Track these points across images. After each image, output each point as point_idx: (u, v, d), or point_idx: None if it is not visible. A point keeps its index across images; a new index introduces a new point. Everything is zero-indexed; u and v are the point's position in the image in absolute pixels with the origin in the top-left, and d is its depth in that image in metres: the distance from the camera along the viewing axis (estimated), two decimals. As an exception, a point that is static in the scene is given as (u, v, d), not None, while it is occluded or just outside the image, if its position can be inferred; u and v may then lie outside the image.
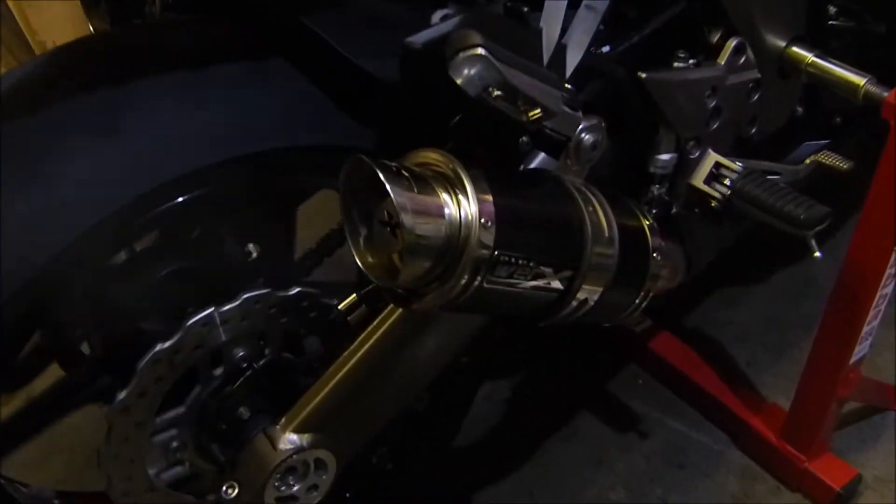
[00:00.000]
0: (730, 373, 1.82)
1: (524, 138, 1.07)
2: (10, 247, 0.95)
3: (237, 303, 1.14)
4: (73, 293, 1.07)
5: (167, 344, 1.10)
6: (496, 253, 0.92)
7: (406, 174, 0.89)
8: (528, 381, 1.88)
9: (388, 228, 0.91)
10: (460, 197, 0.91)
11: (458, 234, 0.90)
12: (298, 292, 1.19)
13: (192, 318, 1.12)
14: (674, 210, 1.29)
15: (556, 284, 1.01)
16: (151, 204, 1.02)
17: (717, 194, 1.27)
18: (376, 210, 0.93)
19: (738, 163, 1.27)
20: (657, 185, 1.26)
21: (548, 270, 0.99)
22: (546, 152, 1.07)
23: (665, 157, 1.24)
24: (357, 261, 0.96)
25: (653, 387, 1.85)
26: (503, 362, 1.89)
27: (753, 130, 1.34)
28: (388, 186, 0.86)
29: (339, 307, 1.17)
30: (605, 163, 1.21)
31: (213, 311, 1.13)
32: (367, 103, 1.12)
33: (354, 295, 1.17)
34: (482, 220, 0.90)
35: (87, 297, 1.11)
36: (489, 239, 0.91)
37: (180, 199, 1.04)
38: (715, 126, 1.27)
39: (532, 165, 1.11)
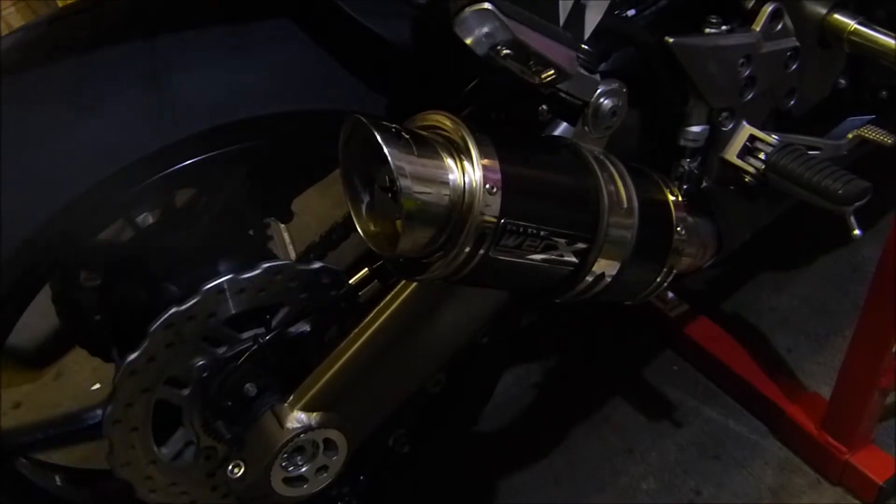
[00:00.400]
0: (769, 360, 1.77)
1: (543, 106, 1.04)
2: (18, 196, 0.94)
3: (257, 271, 1.11)
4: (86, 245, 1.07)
5: (182, 307, 1.07)
6: (502, 221, 0.88)
7: (406, 136, 0.86)
8: (559, 366, 1.83)
9: (390, 195, 0.88)
10: (465, 162, 0.88)
11: (461, 201, 0.87)
12: (321, 267, 1.15)
13: (210, 282, 1.09)
14: (705, 184, 1.23)
15: (570, 257, 0.97)
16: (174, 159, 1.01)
17: (751, 169, 1.21)
18: (378, 175, 0.90)
19: (773, 136, 1.21)
20: (688, 159, 1.21)
21: (560, 242, 0.95)
22: (562, 118, 1.03)
23: (696, 129, 1.19)
24: (359, 230, 0.93)
25: (688, 373, 1.79)
26: (535, 346, 1.85)
27: (792, 103, 1.28)
28: (384, 148, 0.82)
29: (350, 282, 1.15)
30: (632, 135, 1.18)
31: (232, 277, 1.10)
32: (379, 68, 1.08)
33: (366, 269, 1.15)
34: (487, 187, 0.87)
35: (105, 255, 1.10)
36: (495, 206, 0.87)
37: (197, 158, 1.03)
38: (749, 97, 1.21)
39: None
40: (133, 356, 1.07)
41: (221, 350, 1.12)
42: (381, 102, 1.10)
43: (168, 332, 1.08)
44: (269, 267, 1.11)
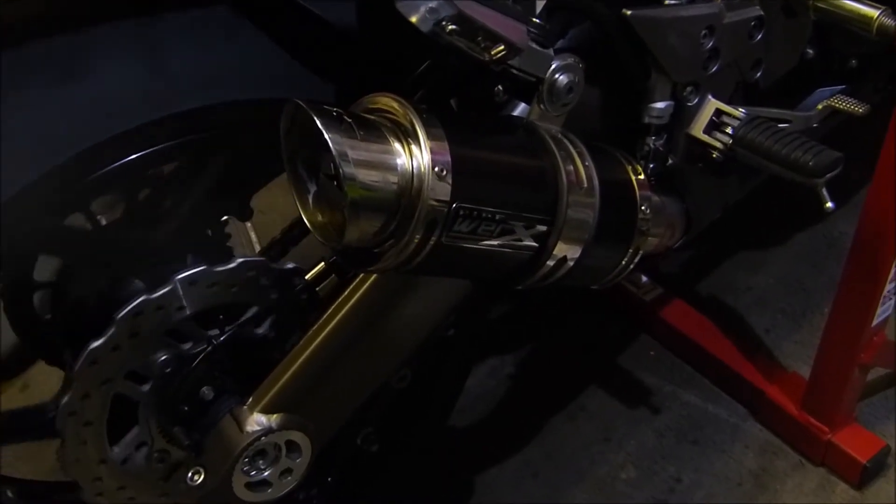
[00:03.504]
0: (747, 341, 1.75)
1: (499, 86, 1.01)
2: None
3: (233, 265, 1.07)
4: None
5: (153, 295, 1.04)
6: (454, 206, 0.85)
7: (349, 120, 0.83)
8: (534, 356, 1.81)
9: (335, 182, 0.85)
10: (412, 146, 0.85)
11: (410, 186, 0.84)
12: (294, 268, 1.12)
13: (183, 272, 1.05)
14: (671, 162, 1.20)
15: (529, 241, 0.94)
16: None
17: (718, 144, 1.18)
18: (323, 163, 0.87)
19: (740, 110, 1.19)
20: (653, 137, 1.18)
21: (518, 225, 0.92)
22: (517, 97, 1.01)
23: (660, 105, 1.16)
24: (305, 221, 0.90)
25: (665, 358, 1.77)
26: (509, 336, 1.83)
27: (758, 75, 1.25)
28: (324, 133, 0.79)
29: (307, 277, 1.12)
30: (594, 113, 1.15)
31: (206, 269, 1.07)
32: (324, 54, 1.04)
33: (322, 263, 1.12)
34: (436, 170, 0.84)
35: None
36: (445, 190, 0.84)
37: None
38: (714, 70, 1.18)
39: (511, 117, 1.04)
40: (96, 343, 1.03)
41: (186, 346, 1.09)
42: (330, 89, 1.07)
43: (136, 320, 1.04)
44: (245, 262, 1.08)
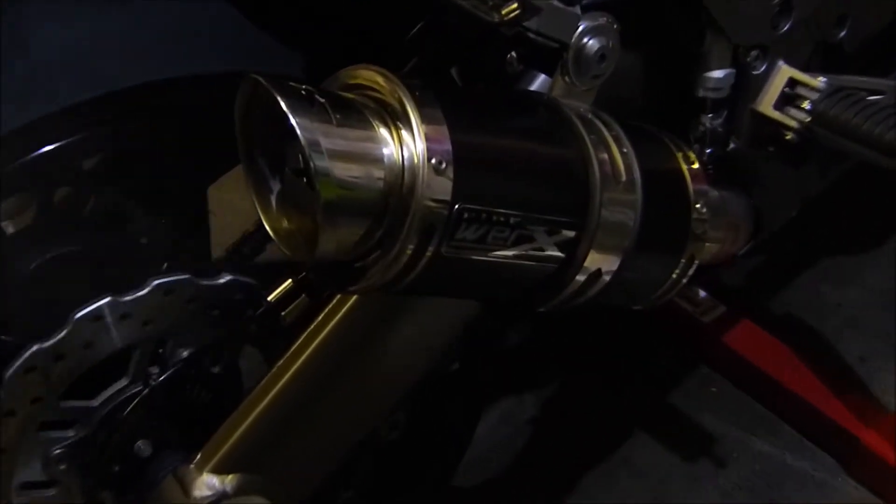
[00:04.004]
0: (837, 374, 1.76)
1: (512, 53, 1.02)
2: None
3: (144, 291, 1.09)
4: None
5: (46, 343, 1.06)
6: (456, 207, 0.86)
7: (322, 100, 0.83)
8: (559, 396, 1.82)
9: (304, 180, 0.85)
10: (403, 131, 0.85)
11: (399, 183, 0.85)
12: (229, 281, 1.14)
13: (82, 310, 1.08)
14: (732, 146, 1.22)
15: (554, 251, 0.95)
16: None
17: (792, 122, 1.20)
18: (289, 155, 0.88)
19: (820, 78, 1.20)
20: (710, 115, 1.20)
21: (538, 231, 0.93)
22: (535, 67, 1.02)
23: (718, 74, 1.18)
24: (267, 228, 0.91)
25: (730, 396, 1.79)
26: (528, 371, 1.84)
27: (843, 34, 1.27)
28: (291, 117, 0.80)
29: (270, 299, 1.14)
30: (632, 85, 1.17)
31: (110, 300, 1.09)
32: (290, 14, 1.06)
33: (290, 281, 1.13)
34: (433, 162, 0.84)
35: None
36: (445, 187, 0.85)
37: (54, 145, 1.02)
38: (785, 28, 1.20)
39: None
40: None
41: (102, 399, 1.11)
42: (299, 60, 1.09)
43: (29, 377, 1.06)
44: (160, 284, 1.09)
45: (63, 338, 1.07)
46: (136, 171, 1.12)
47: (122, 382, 1.13)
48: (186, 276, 1.12)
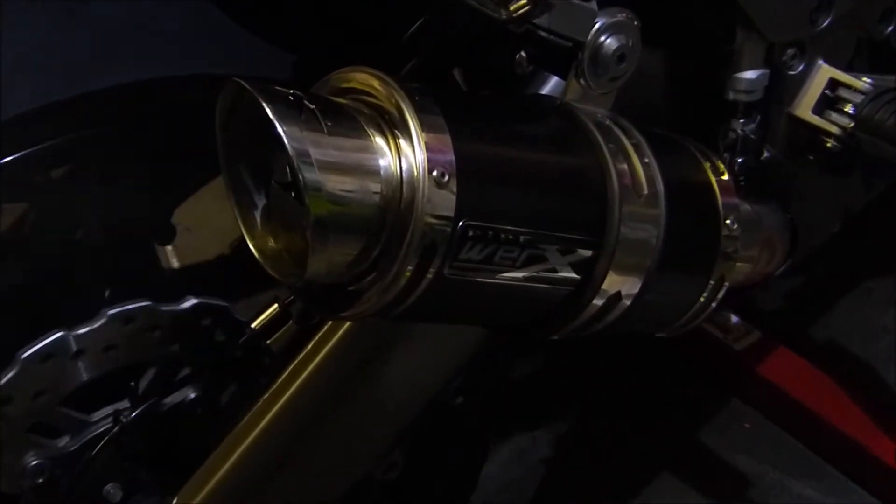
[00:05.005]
0: (885, 408, 1.76)
1: (522, 53, 1.03)
2: None
3: (100, 322, 1.11)
4: None
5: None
6: (461, 224, 0.86)
7: (312, 106, 0.84)
8: (576, 433, 1.83)
9: (293, 194, 0.86)
10: (401, 140, 0.86)
11: (398, 197, 0.85)
12: (196, 305, 1.15)
13: (30, 348, 1.09)
14: (766, 155, 1.23)
15: (568, 272, 0.96)
16: None
17: (833, 128, 1.21)
18: (276, 167, 0.88)
19: (865, 79, 1.21)
20: (741, 120, 1.21)
21: (551, 249, 0.93)
22: (547, 69, 1.03)
23: (750, 75, 1.19)
24: (251, 247, 0.91)
25: (766, 433, 1.80)
26: (538, 405, 1.85)
27: (889, 30, 1.28)
28: (277, 125, 0.81)
29: (254, 325, 1.14)
30: (654, 88, 1.18)
31: (62, 336, 1.10)
32: (277, 12, 1.07)
33: (276, 306, 1.14)
34: (435, 174, 0.85)
35: None
36: (447, 202, 0.86)
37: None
38: (826, 24, 1.21)
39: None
40: None
41: (63, 441, 1.12)
42: (287, 61, 1.11)
43: None
44: (116, 314, 1.11)
45: (10, 380, 1.08)
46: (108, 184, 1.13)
47: (93, 418, 1.13)
48: (146, 303, 1.13)
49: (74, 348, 1.10)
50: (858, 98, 1.20)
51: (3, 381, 1.07)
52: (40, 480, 1.12)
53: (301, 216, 0.85)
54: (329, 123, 0.84)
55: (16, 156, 1.04)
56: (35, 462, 1.12)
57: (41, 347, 1.09)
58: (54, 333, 1.10)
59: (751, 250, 1.14)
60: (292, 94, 0.84)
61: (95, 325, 1.11)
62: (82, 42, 1.04)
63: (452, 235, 0.86)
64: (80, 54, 1.04)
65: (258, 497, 1.11)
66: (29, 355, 1.08)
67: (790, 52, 1.20)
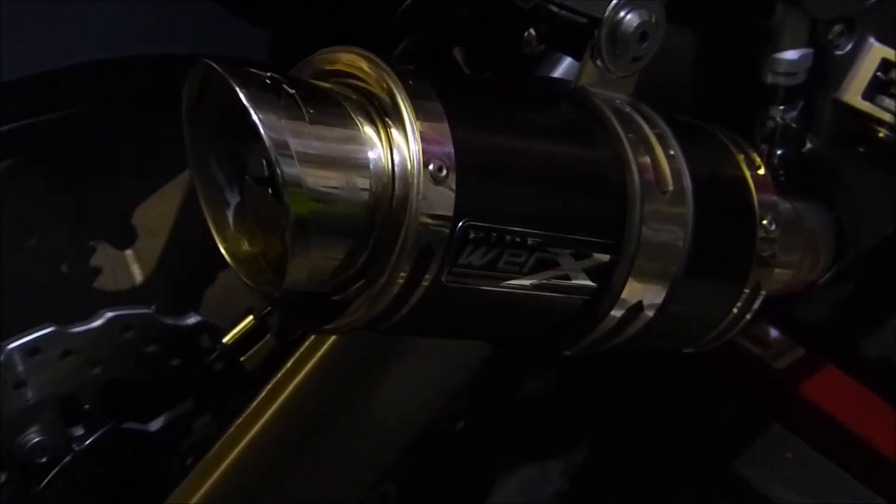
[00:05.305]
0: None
1: (531, 30, 1.04)
2: None
3: (45, 332, 1.12)
4: None
5: None
6: (461, 224, 0.87)
7: (291, 91, 0.84)
8: (593, 462, 1.83)
9: (270, 190, 0.86)
10: (393, 129, 0.87)
11: (389, 194, 0.86)
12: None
13: None
14: (810, 146, 1.23)
15: (582, 280, 0.96)
16: None
17: (885, 115, 1.22)
18: (251, 159, 0.89)
19: (923, 60, 1.22)
20: (781, 107, 1.22)
21: (563, 254, 0.94)
22: (560, 49, 1.04)
23: (791, 56, 1.20)
24: (222, 251, 0.92)
25: (810, 463, 1.79)
26: (549, 429, 1.85)
27: (950, 4, 1.28)
28: (252, 112, 0.81)
29: (225, 340, 1.15)
30: (683, 73, 1.19)
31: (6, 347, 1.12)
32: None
33: (251, 318, 1.14)
34: (431, 168, 0.85)
35: None
36: (445, 199, 0.86)
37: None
38: (876, -3, 1.21)
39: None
40: None
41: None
42: (263, 39, 1.11)
43: None
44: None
45: None
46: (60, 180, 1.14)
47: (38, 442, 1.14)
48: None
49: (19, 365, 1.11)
50: (915, 81, 1.20)
51: None
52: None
53: (279, 216, 0.85)
54: (311, 111, 0.84)
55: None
56: None
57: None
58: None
59: (791, 255, 1.15)
60: (269, 77, 0.84)
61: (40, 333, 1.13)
62: (82, 42, 1.04)
63: (451, 237, 0.86)
64: (80, 54, 1.05)
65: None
66: None
67: (837, 28, 1.21)
